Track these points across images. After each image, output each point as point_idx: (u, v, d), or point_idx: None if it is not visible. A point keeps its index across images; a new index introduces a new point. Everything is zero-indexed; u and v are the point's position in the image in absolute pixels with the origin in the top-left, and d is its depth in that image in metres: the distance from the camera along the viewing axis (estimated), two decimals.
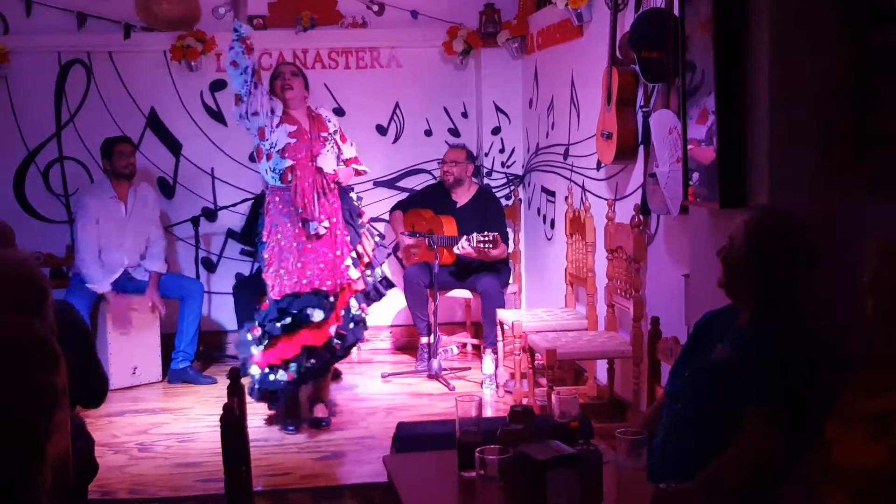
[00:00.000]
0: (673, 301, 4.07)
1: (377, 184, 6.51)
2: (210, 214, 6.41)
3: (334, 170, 4.79)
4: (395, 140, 6.59)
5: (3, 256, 2.09)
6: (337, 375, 5.77)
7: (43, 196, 6.29)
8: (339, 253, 4.71)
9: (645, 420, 2.82)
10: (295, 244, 4.68)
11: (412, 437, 3.72)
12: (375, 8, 6.42)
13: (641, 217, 4.40)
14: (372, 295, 4.96)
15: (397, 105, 6.54)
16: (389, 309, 6.52)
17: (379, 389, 5.66)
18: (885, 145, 2.59)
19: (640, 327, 4.40)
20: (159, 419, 5.12)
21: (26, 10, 6.19)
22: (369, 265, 4.90)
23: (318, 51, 6.46)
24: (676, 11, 3.77)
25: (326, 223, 4.67)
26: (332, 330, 4.68)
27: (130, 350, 5.68)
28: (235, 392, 2.73)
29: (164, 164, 6.39)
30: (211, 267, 6.47)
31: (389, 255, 5.26)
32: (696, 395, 2.49)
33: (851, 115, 2.68)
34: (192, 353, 5.82)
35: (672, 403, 2.59)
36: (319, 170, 4.70)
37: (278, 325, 4.62)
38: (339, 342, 4.75)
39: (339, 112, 6.40)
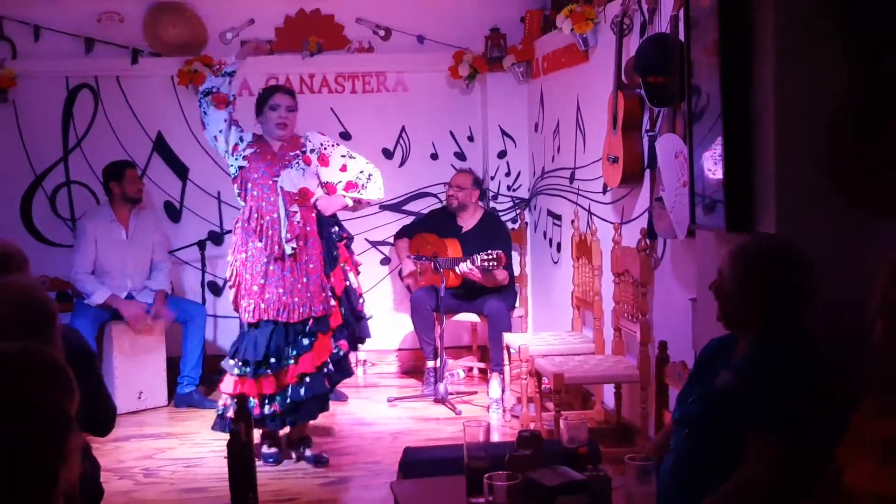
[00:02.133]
0: (680, 325, 4.06)
1: (383, 207, 6.51)
2: (216, 238, 6.44)
3: (312, 192, 4.66)
4: (402, 164, 6.60)
5: (12, 281, 2.10)
6: (341, 398, 5.77)
7: (50, 220, 6.32)
8: (305, 280, 4.54)
9: (653, 445, 2.82)
10: (259, 266, 4.55)
11: (419, 463, 3.71)
12: (382, 33, 6.49)
13: (648, 241, 4.39)
14: (349, 333, 4.76)
15: (403, 129, 6.57)
16: (396, 333, 6.54)
17: (385, 414, 5.65)
18: (892, 170, 2.60)
19: (648, 351, 4.39)
20: (165, 444, 5.11)
21: (34, 35, 6.24)
22: (346, 301, 4.73)
23: (324, 75, 6.50)
24: (682, 36, 3.81)
25: (293, 245, 4.52)
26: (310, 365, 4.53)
27: (136, 375, 5.68)
28: (242, 417, 2.74)
29: (171, 188, 6.41)
30: (217, 291, 6.47)
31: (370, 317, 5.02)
32: (702, 421, 2.48)
33: (858, 140, 2.69)
34: (197, 378, 5.82)
35: (679, 429, 2.58)
36: (282, 189, 4.57)
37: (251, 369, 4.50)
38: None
39: (345, 136, 6.44)
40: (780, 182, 2.83)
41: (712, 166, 3.04)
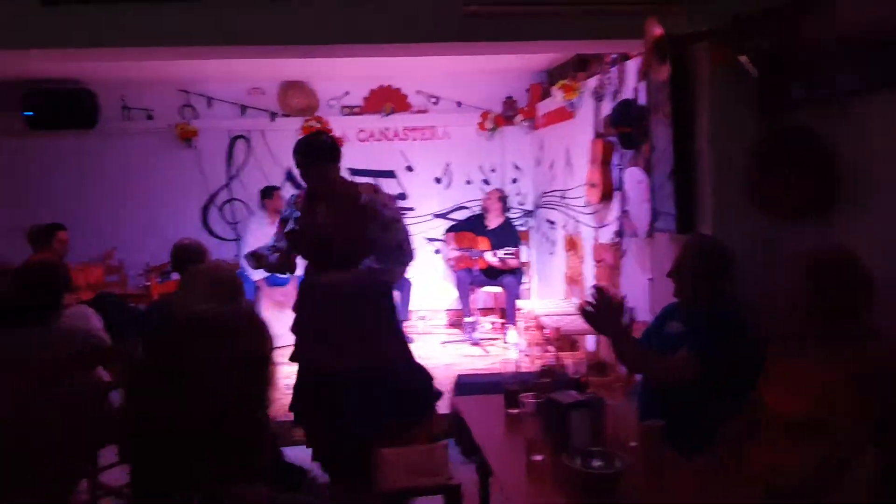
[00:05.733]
0: (641, 296, 4.02)
1: (435, 216, 6.52)
2: None
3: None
4: (447, 187, 6.56)
5: (216, 264, 2.09)
6: (409, 340, 5.75)
7: (220, 224, 6.36)
8: None
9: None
10: None
11: (468, 384, 3.74)
12: (433, 100, 6.46)
13: (618, 238, 4.37)
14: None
15: (448, 164, 6.52)
16: (443, 298, 6.52)
17: (438, 352, 5.63)
18: (793, 188, 2.55)
19: None
20: None
21: (207, 103, 6.30)
22: None
23: (395, 128, 6.48)
24: (642, 100, 3.77)
25: None
26: None
27: (279, 332, 5.68)
28: None
29: None
30: None
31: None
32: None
33: (765, 169, 2.64)
34: None
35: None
36: None
37: None
38: None
39: (409, 168, 6.42)
40: (714, 199, 2.81)
41: (666, 189, 3.01)
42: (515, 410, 2.36)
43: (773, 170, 2.59)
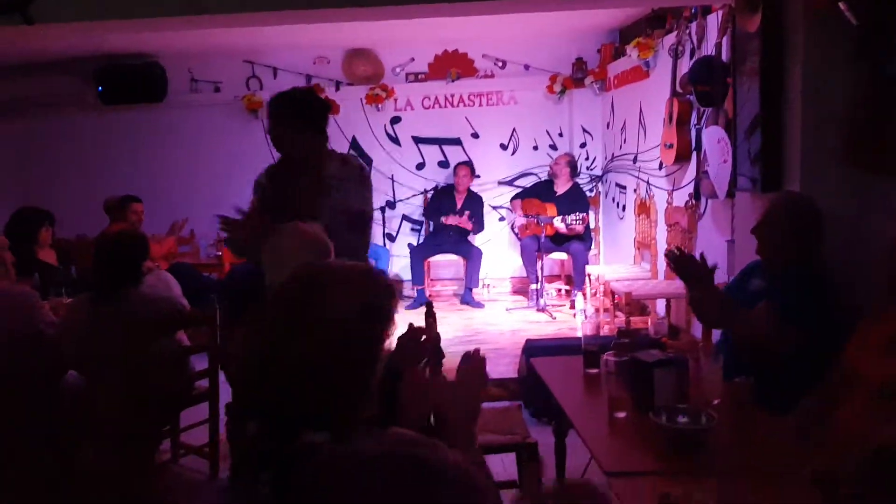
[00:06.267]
0: (717, 259, 3.92)
1: (500, 183, 6.49)
2: (391, 205, 6.53)
3: None
4: (513, 153, 6.50)
5: (301, 225, 2.12)
6: (480, 306, 5.84)
7: None
8: None
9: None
10: None
11: (536, 348, 3.76)
12: (500, 64, 6.39)
13: (694, 201, 4.27)
14: None
15: (514, 129, 6.45)
16: (508, 266, 6.52)
17: (504, 318, 5.66)
18: (887, 142, 2.43)
19: None
20: None
21: (273, 74, 6.39)
22: None
23: (461, 94, 6.44)
24: (724, 58, 3.64)
25: None
26: None
27: None
28: (430, 316, 2.75)
29: None
30: (392, 239, 6.60)
31: None
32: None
33: (864, 124, 2.53)
34: None
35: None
36: None
37: None
38: None
39: (475, 136, 6.40)
40: (803, 156, 2.70)
41: (751, 147, 2.91)
42: (594, 371, 2.37)
43: (871, 124, 2.47)
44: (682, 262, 2.29)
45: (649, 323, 2.57)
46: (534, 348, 3.73)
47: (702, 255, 2.31)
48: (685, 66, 4.27)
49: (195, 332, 3.33)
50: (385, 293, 1.10)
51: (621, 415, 1.98)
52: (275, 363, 1.05)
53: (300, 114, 2.61)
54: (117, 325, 2.66)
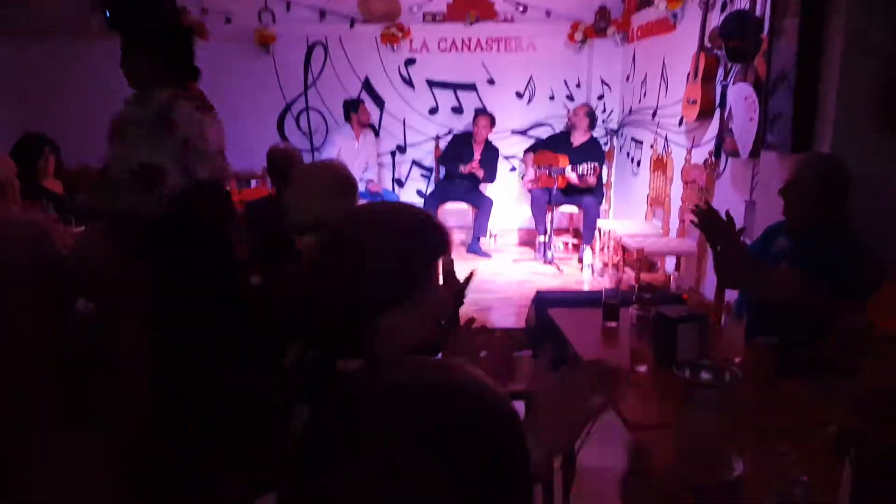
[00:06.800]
0: (736, 219, 3.90)
1: (514, 132, 6.40)
2: (402, 149, 6.45)
3: None
4: (528, 102, 6.38)
5: (328, 162, 2.09)
6: (487, 255, 5.83)
7: (295, 132, 6.38)
8: None
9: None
10: None
11: (546, 300, 3.76)
12: (521, 9, 6.21)
13: (714, 159, 4.21)
14: None
15: (531, 78, 6.32)
16: (516, 217, 6.49)
17: (511, 269, 5.65)
18: None
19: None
20: None
21: (286, 7, 6.21)
22: None
23: (479, 38, 6.28)
24: (758, 12, 3.54)
25: None
26: None
27: None
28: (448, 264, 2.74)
29: (373, 115, 6.37)
30: (401, 184, 6.54)
31: None
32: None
33: None
34: None
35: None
36: None
37: None
38: None
39: (490, 82, 6.28)
40: (837, 117, 2.65)
41: (783, 106, 2.85)
42: (613, 324, 2.37)
43: None
44: (710, 218, 2.26)
45: (672, 279, 2.55)
46: (544, 300, 3.73)
47: (727, 212, 2.28)
48: (715, 19, 4.15)
49: None
50: (434, 233, 1.09)
51: (642, 368, 1.98)
52: (325, 293, 1.05)
53: (131, 23, 2.15)
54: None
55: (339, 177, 1.96)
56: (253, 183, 5.99)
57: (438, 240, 1.08)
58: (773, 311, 2.15)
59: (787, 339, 1.94)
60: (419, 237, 1.07)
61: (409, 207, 1.12)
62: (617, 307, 2.37)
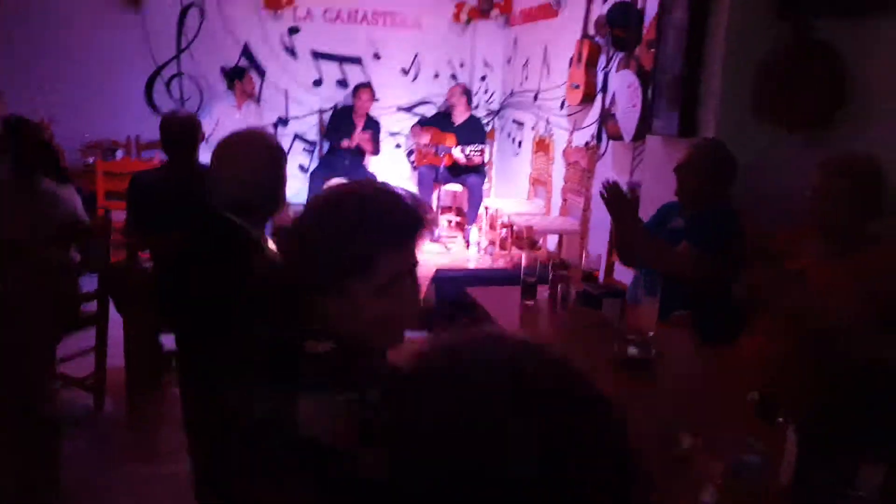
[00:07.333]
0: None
1: (399, 108, 6.38)
2: (284, 122, 6.23)
3: None
4: (413, 79, 6.37)
5: (257, 130, 1.96)
6: None
7: (165, 99, 5.91)
8: None
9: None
10: None
11: (445, 279, 3.80)
12: None
13: (596, 142, 4.45)
14: None
15: (416, 55, 6.30)
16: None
17: None
18: (799, 100, 2.66)
19: (587, 214, 4.51)
20: None
21: None
22: None
23: (365, 11, 6.15)
24: (639, 4, 3.76)
25: None
26: None
27: None
28: None
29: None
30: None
31: None
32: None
33: (777, 80, 2.72)
34: None
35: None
36: None
37: None
38: None
39: (376, 56, 6.20)
40: (720, 105, 2.88)
41: (670, 93, 3.06)
42: (531, 302, 2.45)
43: (782, 81, 2.65)
44: (615, 204, 2.39)
45: (583, 258, 2.67)
46: (443, 279, 3.77)
47: (632, 191, 2.44)
48: (597, 8, 4.37)
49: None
50: (389, 217, 1.06)
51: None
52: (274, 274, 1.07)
53: None
54: (26, 217, 2.43)
55: (273, 147, 1.86)
56: (118, 154, 5.52)
57: (397, 224, 1.04)
58: (681, 287, 2.34)
59: (697, 312, 2.13)
60: (367, 220, 1.03)
61: (380, 190, 1.08)
62: (535, 285, 2.45)
